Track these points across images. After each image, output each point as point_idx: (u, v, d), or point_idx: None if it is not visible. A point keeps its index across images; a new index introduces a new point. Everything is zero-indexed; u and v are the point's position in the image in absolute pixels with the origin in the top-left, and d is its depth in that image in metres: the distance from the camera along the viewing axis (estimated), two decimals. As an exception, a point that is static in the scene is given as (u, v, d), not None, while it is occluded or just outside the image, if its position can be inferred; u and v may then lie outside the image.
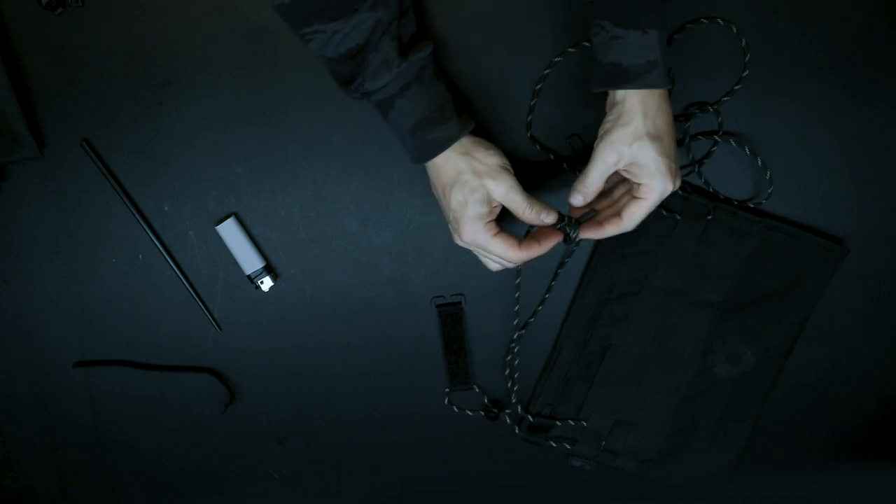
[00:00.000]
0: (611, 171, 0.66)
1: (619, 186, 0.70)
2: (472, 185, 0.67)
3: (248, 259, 0.79)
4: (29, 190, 0.78)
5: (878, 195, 0.79)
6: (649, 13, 0.63)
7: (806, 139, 0.78)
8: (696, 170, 0.77)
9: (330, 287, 0.81)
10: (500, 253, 0.67)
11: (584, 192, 0.68)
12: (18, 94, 0.75)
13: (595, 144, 0.66)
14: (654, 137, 0.64)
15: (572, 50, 0.75)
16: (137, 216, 0.79)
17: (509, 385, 0.82)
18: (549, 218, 0.68)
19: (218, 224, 0.79)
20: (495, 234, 0.67)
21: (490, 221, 0.67)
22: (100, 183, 0.78)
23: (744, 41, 0.74)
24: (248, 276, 0.79)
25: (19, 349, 0.82)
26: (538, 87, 0.76)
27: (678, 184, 0.66)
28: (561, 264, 0.80)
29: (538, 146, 0.77)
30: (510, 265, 0.69)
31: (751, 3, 0.75)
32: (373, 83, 0.66)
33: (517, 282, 0.79)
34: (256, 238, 0.80)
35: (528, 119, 0.77)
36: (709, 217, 0.77)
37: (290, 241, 0.80)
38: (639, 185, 0.66)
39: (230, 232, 0.79)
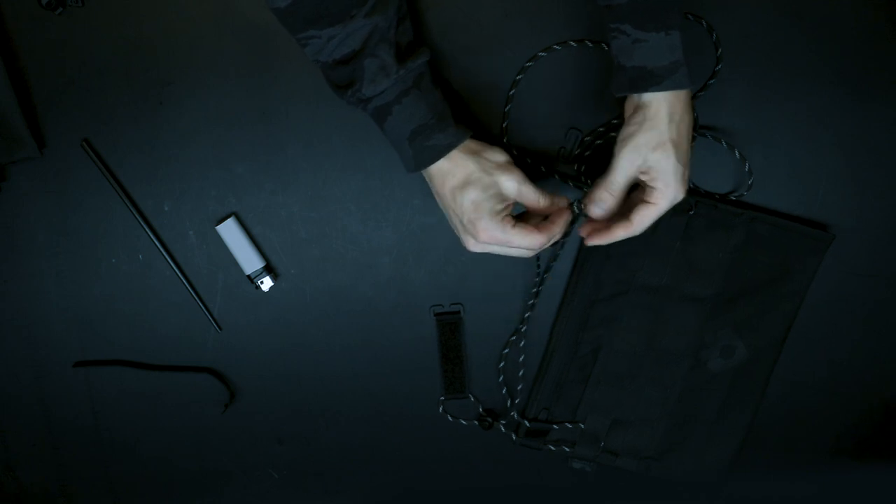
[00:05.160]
0: (634, 176, 0.65)
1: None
2: (484, 183, 0.66)
3: (248, 259, 0.79)
4: (29, 190, 0.78)
5: (878, 194, 0.79)
6: (670, 13, 0.62)
7: (800, 135, 0.78)
8: None
9: (330, 287, 0.81)
10: (521, 243, 0.67)
11: (607, 198, 0.66)
12: (18, 94, 0.75)
13: (617, 149, 0.65)
14: (676, 144, 0.64)
15: (543, 54, 0.75)
16: (137, 216, 0.79)
17: (503, 392, 0.82)
18: (562, 202, 0.69)
19: (218, 224, 0.79)
20: (514, 226, 0.67)
21: (507, 216, 0.67)
22: (100, 183, 0.78)
23: (714, 36, 0.74)
24: (248, 276, 0.79)
25: (19, 349, 0.82)
26: (511, 92, 0.76)
27: (685, 192, 0.66)
28: (547, 269, 0.80)
29: (514, 151, 0.77)
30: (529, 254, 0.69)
31: (750, 2, 0.75)
32: (370, 89, 0.66)
33: (536, 289, 0.80)
34: (256, 238, 0.80)
35: (504, 125, 0.77)
36: (690, 212, 0.78)
37: (290, 241, 0.80)
38: (652, 189, 0.65)
39: (230, 232, 0.79)
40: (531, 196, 0.68)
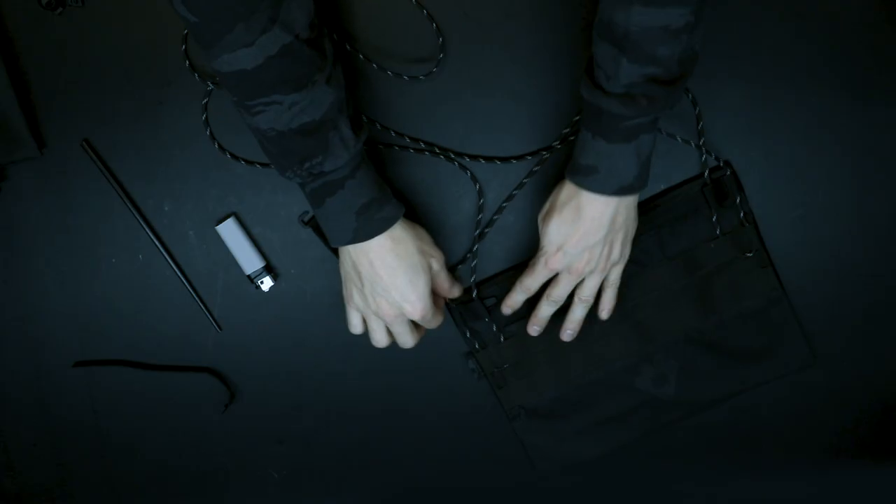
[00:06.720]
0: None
1: None
2: (422, 264, 0.70)
3: (248, 259, 0.79)
4: (29, 190, 0.78)
5: (878, 194, 0.79)
6: (608, 124, 0.65)
7: (800, 135, 0.77)
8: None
9: (330, 287, 0.80)
10: (435, 322, 0.74)
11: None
12: (18, 94, 0.75)
13: None
14: (547, 215, 0.71)
15: (516, 192, 0.77)
16: (137, 216, 0.79)
17: (473, 264, 0.79)
18: (458, 291, 0.76)
19: (218, 224, 0.79)
20: (435, 307, 0.73)
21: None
22: (100, 183, 0.78)
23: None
24: (248, 276, 0.79)
25: (19, 349, 0.82)
26: (477, 232, 0.78)
27: (553, 265, 0.71)
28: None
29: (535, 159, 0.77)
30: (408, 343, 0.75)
31: (749, 2, 0.75)
32: (331, 163, 0.65)
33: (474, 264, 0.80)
34: (256, 238, 0.80)
35: (473, 264, 0.78)
36: (749, 254, 0.78)
37: (290, 241, 0.80)
38: None
39: (230, 232, 0.79)
40: (445, 279, 0.74)
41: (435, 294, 0.74)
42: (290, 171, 0.66)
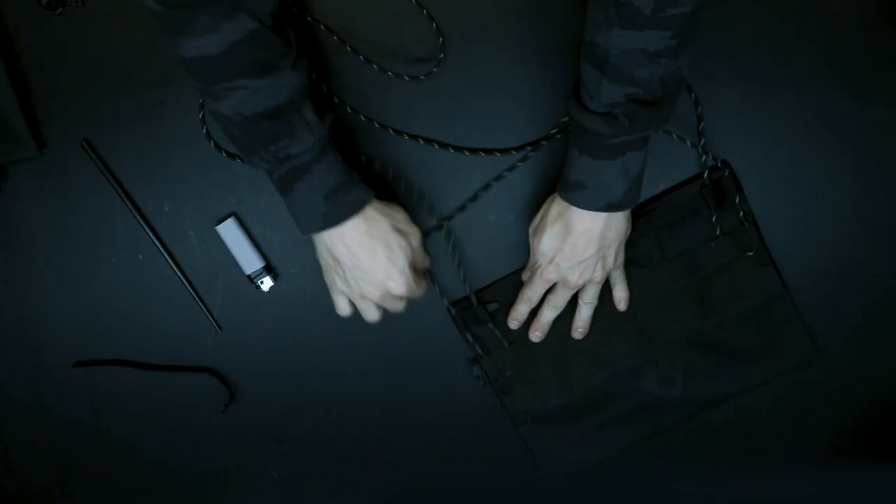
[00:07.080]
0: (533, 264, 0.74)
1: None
2: (399, 242, 0.70)
3: (248, 259, 0.79)
4: (29, 190, 0.78)
5: (878, 194, 0.79)
6: (591, 141, 0.66)
7: (800, 135, 0.78)
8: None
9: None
10: (419, 292, 0.74)
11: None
12: (18, 94, 0.75)
13: None
14: (538, 229, 0.72)
15: (494, 182, 0.77)
16: (137, 216, 0.79)
17: (458, 263, 0.79)
18: (428, 263, 0.78)
19: (218, 224, 0.79)
20: (416, 278, 0.73)
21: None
22: (100, 183, 0.78)
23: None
24: (248, 276, 0.79)
25: (19, 349, 0.82)
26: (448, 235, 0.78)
27: (548, 276, 0.72)
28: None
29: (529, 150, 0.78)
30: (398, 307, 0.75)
31: (749, 2, 0.75)
32: (297, 146, 0.65)
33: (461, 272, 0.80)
34: (256, 238, 0.80)
35: (467, 284, 0.78)
36: (749, 253, 0.78)
37: (290, 241, 0.80)
38: None
39: (230, 232, 0.79)
40: (423, 254, 0.75)
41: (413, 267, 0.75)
42: (257, 157, 0.66)
